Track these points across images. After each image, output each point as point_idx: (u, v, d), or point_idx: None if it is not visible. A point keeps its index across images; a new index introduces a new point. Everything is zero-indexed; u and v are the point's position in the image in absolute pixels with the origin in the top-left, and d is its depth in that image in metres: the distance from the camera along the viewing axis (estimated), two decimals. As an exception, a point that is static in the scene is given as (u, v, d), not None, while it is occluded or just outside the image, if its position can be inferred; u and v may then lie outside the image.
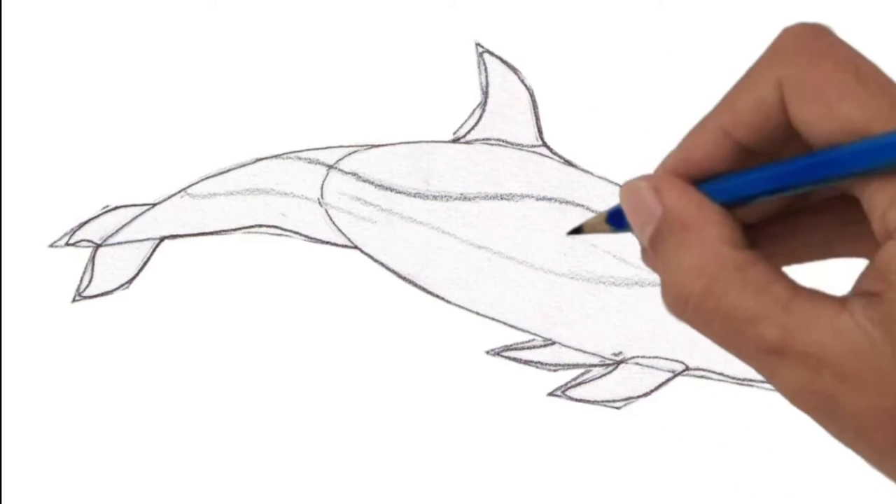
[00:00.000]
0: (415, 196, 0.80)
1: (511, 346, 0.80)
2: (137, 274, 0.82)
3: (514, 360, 0.80)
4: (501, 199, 0.80)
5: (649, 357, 0.78)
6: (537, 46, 0.83)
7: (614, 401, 0.78)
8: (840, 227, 0.37)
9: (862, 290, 0.32)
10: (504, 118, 0.82)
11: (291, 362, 0.79)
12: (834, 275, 0.79)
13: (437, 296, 0.80)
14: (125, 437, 0.78)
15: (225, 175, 0.82)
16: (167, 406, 0.79)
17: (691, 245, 0.34)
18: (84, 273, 0.81)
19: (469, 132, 0.82)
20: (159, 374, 0.79)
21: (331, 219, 0.81)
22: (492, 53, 0.81)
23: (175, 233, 0.82)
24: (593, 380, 0.78)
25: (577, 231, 0.40)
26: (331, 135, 0.82)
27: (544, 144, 0.81)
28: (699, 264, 0.34)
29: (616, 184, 0.80)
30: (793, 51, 0.34)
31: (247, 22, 0.84)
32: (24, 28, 0.84)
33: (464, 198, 0.80)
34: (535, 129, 0.81)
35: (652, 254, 0.36)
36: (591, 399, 0.78)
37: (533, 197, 0.80)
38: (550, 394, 0.78)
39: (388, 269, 0.80)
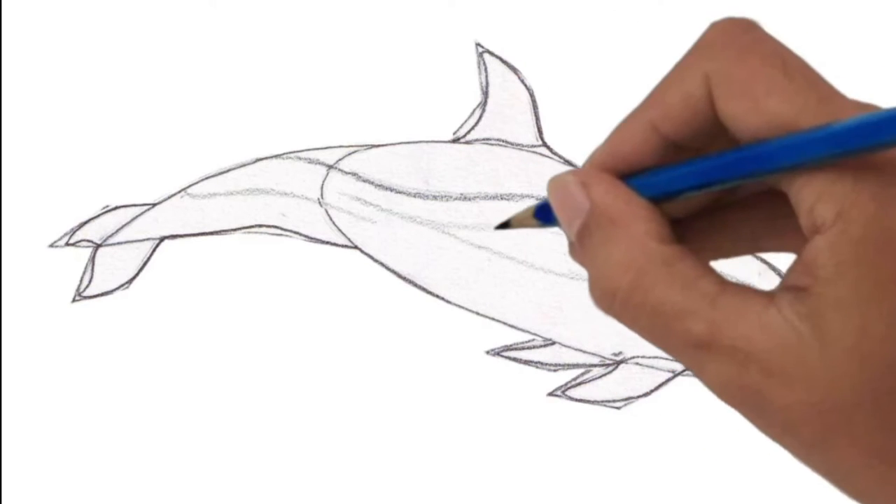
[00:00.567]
0: (415, 196, 0.80)
1: (511, 346, 0.80)
2: (137, 274, 0.82)
3: (514, 360, 0.80)
4: (501, 199, 0.80)
5: (649, 357, 0.78)
6: (537, 46, 0.83)
7: (614, 401, 0.78)
8: (768, 222, 0.37)
9: (789, 285, 0.32)
10: (504, 118, 0.82)
11: (292, 362, 0.79)
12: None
13: (437, 296, 0.80)
14: (125, 436, 0.78)
15: (225, 175, 0.82)
16: (167, 406, 0.79)
17: (619, 240, 0.34)
18: (84, 273, 0.81)
19: (469, 132, 0.82)
20: (159, 374, 0.79)
21: (331, 219, 0.81)
22: (492, 53, 0.81)
23: (175, 233, 0.82)
24: (593, 380, 0.78)
25: (504, 226, 0.40)
26: (331, 135, 0.82)
27: (544, 144, 0.81)
28: (626, 259, 0.33)
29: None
30: (720, 45, 0.35)
31: (247, 22, 0.84)
32: (24, 28, 0.84)
33: (464, 198, 0.80)
34: (535, 129, 0.81)
35: (579, 248, 0.35)
36: (591, 399, 0.78)
37: (533, 197, 0.80)
38: (550, 394, 0.78)
39: (388, 269, 0.80)
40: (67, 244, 0.82)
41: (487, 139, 0.82)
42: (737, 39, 0.35)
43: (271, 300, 0.80)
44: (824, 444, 0.33)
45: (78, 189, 0.82)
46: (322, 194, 0.81)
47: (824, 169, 0.31)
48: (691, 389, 0.79)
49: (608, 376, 0.78)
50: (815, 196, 0.32)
